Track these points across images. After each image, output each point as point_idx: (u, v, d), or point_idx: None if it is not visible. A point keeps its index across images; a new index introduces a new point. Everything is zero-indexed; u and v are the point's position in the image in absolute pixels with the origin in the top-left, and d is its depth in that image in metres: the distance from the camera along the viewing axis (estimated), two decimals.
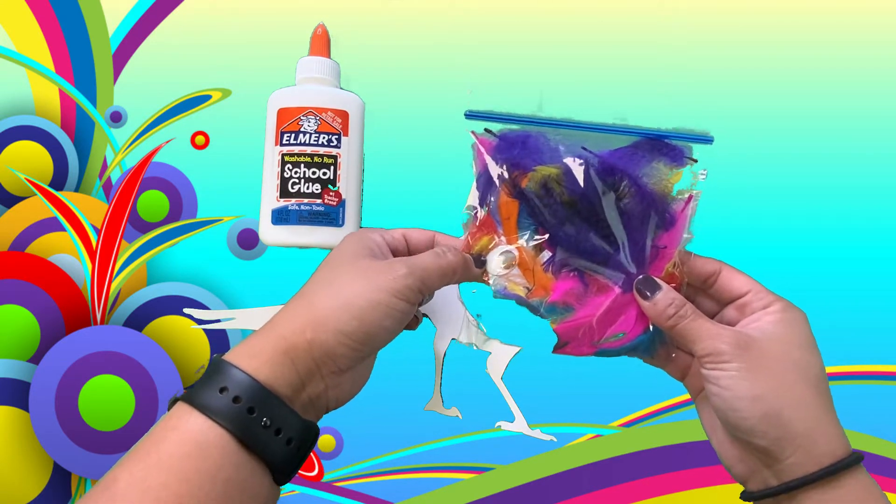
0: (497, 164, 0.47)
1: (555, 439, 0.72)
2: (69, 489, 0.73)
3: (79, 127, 0.79)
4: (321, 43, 0.61)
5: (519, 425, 0.72)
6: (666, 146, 0.45)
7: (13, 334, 0.73)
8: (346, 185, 0.59)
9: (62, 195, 0.77)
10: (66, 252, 0.77)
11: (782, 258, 0.71)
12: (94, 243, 0.76)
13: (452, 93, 0.74)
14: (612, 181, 0.45)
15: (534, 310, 0.47)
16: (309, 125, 0.59)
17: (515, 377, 0.73)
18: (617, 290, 0.45)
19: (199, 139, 0.77)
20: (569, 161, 0.45)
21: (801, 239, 0.71)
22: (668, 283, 0.44)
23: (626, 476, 0.71)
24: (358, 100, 0.60)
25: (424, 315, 0.57)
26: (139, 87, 0.78)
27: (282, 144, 0.60)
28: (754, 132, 0.72)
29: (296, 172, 0.59)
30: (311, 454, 0.74)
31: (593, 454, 0.71)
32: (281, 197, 0.60)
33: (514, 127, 0.47)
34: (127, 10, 0.78)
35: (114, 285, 0.76)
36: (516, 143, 0.47)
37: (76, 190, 0.79)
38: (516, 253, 0.47)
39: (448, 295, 0.54)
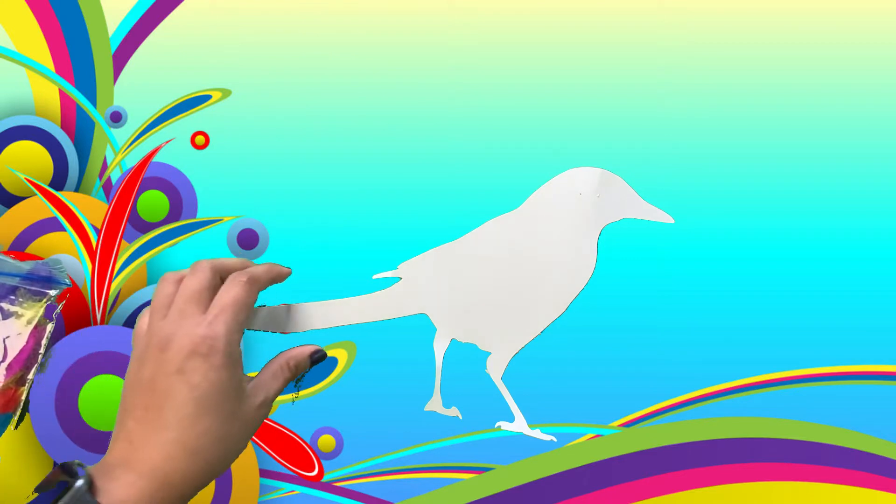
0: None
1: (555, 439, 0.72)
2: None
3: (79, 127, 0.79)
4: None
5: (519, 425, 0.72)
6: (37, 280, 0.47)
7: None
8: None
9: (62, 195, 0.77)
10: (66, 252, 0.77)
11: (782, 258, 0.71)
12: (94, 243, 0.76)
13: (447, 93, 0.74)
14: None
15: None
16: None
17: (515, 377, 0.73)
18: None
19: (199, 139, 0.77)
20: None
21: (800, 239, 0.71)
22: (3, 396, 0.45)
23: (626, 476, 0.71)
24: None
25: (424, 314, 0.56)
26: (139, 87, 0.78)
27: None
28: (753, 133, 0.72)
29: None
30: (311, 454, 0.74)
31: (593, 454, 0.71)
32: None
33: None
34: (127, 10, 0.78)
35: (114, 285, 0.76)
36: None
37: (76, 190, 0.79)
38: None
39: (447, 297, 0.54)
